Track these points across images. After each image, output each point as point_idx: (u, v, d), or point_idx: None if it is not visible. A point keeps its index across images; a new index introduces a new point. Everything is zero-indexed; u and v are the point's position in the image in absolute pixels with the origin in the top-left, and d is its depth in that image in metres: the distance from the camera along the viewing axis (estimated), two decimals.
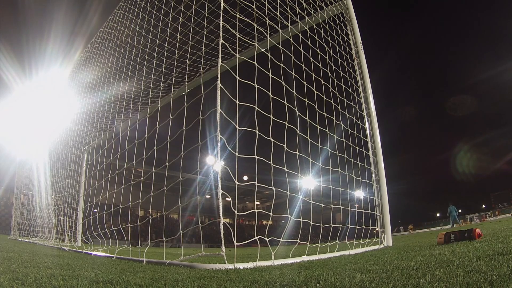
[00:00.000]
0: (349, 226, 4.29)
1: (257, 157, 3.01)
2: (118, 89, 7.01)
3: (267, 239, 3.02)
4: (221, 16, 3.10)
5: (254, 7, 3.83)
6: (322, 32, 4.68)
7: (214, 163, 2.93)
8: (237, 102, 2.96)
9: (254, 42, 3.70)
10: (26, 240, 10.01)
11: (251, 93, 3.13)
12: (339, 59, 4.84)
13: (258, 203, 43.17)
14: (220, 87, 2.73)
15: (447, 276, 1.30)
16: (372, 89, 5.13)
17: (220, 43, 2.97)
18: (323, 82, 4.34)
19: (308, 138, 3.78)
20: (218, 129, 2.60)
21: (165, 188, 3.50)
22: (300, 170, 3.49)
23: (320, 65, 4.33)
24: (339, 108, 4.49)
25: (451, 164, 59.51)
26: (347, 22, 5.43)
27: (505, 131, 49.67)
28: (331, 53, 4.69)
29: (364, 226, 4.52)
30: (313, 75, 4.19)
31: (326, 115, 4.16)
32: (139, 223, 4.11)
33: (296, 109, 3.70)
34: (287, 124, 3.43)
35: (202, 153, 3.06)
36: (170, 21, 4.67)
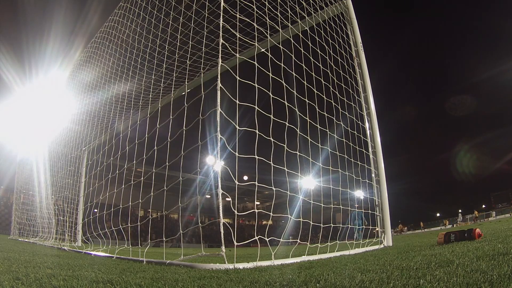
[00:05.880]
0: (349, 226, 4.29)
1: (257, 157, 3.01)
2: (118, 89, 7.01)
3: (267, 239, 3.02)
4: (221, 16, 3.10)
5: (254, 7, 3.83)
6: (322, 32, 4.68)
7: (214, 163, 2.93)
8: (237, 102, 2.96)
9: (254, 42, 3.70)
10: (26, 240, 10.01)
11: (251, 93, 3.13)
12: (339, 59, 4.84)
13: (258, 203, 43.16)
14: (220, 87, 2.73)
15: (447, 276, 1.30)
16: (372, 89, 5.13)
17: (220, 43, 2.97)
18: (323, 82, 4.34)
19: (308, 138, 3.78)
20: (218, 129, 2.60)
21: (165, 188, 3.49)
22: (300, 170, 3.49)
23: (320, 65, 4.32)
24: (339, 108, 4.49)
25: (451, 164, 59.58)
26: (347, 22, 5.43)
27: (505, 131, 49.73)
28: (331, 53, 4.69)
29: (364, 226, 4.52)
30: (313, 75, 4.19)
31: (326, 115, 4.16)
32: (139, 223, 4.11)
33: (296, 109, 3.70)
34: (287, 124, 3.43)
35: (202, 153, 3.06)
36: (170, 21, 4.67)
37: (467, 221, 35.54)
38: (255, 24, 3.69)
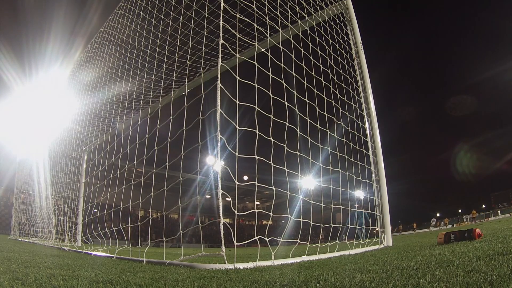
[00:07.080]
0: (349, 226, 4.29)
1: (257, 157, 3.01)
2: (118, 89, 7.01)
3: (267, 239, 3.02)
4: (221, 16, 3.10)
5: (254, 7, 3.83)
6: (322, 32, 4.68)
7: (214, 163, 2.93)
8: (237, 102, 2.96)
9: (254, 42, 3.70)
10: (26, 240, 10.01)
11: (251, 93, 3.13)
12: (339, 59, 4.84)
13: (258, 203, 43.13)
14: (220, 87, 2.73)
15: (447, 276, 1.30)
16: (372, 89, 5.13)
17: (220, 43, 2.97)
18: (323, 82, 4.34)
19: (309, 138, 3.78)
20: (218, 129, 2.60)
21: (165, 188, 3.50)
22: (300, 170, 3.49)
23: (320, 65, 4.33)
24: (339, 108, 4.49)
25: (451, 164, 59.52)
26: (347, 22, 5.43)
27: (505, 131, 49.72)
28: (331, 53, 4.69)
29: (364, 226, 4.52)
30: (314, 75, 4.19)
31: (326, 115, 4.16)
32: (139, 223, 4.11)
33: (296, 109, 3.70)
34: (287, 124, 3.42)
35: (202, 153, 3.06)
36: (170, 22, 4.67)
37: (439, 225, 34.87)
38: (255, 24, 3.69)
